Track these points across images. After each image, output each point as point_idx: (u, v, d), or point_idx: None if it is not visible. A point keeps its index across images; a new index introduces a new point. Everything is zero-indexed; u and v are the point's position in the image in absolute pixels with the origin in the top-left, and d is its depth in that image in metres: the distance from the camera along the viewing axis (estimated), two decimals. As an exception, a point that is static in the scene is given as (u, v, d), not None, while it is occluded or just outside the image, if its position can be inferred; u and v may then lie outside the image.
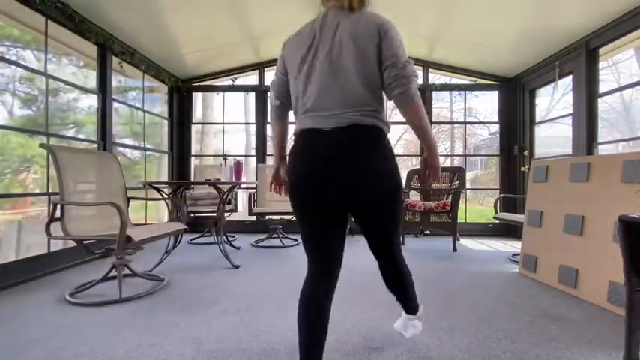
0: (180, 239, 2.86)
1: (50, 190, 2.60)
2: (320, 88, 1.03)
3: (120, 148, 3.86)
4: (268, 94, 1.22)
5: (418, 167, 4.39)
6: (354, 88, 1.01)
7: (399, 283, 1.27)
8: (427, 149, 1.10)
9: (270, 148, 4.60)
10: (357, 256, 3.18)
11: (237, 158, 3.36)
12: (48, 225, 1.94)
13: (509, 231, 4.28)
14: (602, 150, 3.07)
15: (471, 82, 4.46)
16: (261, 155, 4.57)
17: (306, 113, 1.07)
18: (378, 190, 1.02)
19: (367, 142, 1.01)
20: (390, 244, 1.16)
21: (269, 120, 4.70)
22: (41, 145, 2.08)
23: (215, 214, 3.01)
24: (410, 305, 1.36)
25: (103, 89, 3.12)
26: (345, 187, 1.00)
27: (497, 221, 3.43)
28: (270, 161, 4.60)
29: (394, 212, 1.08)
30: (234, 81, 4.59)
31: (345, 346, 1.41)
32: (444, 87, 4.49)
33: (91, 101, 3.18)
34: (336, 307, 1.84)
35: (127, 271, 2.25)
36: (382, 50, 1.00)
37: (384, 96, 1.07)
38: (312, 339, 1.05)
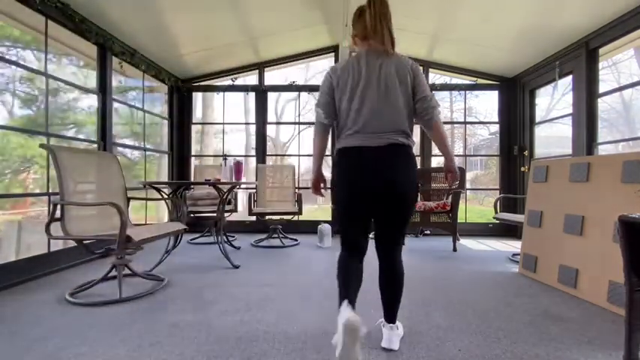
0: (180, 239, 2.86)
1: (50, 190, 2.60)
2: (372, 113, 1.34)
3: (120, 148, 3.86)
4: (316, 109, 1.50)
5: (418, 167, 4.38)
6: (399, 115, 1.34)
7: (395, 280, 1.46)
8: (445, 155, 1.40)
9: (269, 148, 4.61)
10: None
11: (237, 158, 3.36)
12: (48, 225, 1.94)
13: (509, 231, 4.28)
14: (602, 150, 3.07)
15: (471, 82, 4.46)
16: (261, 155, 4.57)
17: (356, 133, 1.36)
18: (404, 191, 1.35)
19: (401, 156, 1.34)
20: (399, 234, 1.46)
21: (269, 120, 4.71)
22: (41, 145, 2.08)
23: (215, 214, 3.01)
24: (396, 311, 1.48)
25: (103, 89, 3.12)
26: (382, 188, 1.33)
27: (497, 221, 3.43)
28: (270, 161, 4.75)
29: (410, 210, 1.41)
30: (234, 81, 4.59)
31: (345, 346, 1.41)
32: (444, 87, 4.49)
33: (91, 101, 3.18)
34: (336, 307, 1.84)
35: (127, 271, 2.25)
36: (415, 86, 1.37)
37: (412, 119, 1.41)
38: (352, 288, 1.41)
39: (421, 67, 4.39)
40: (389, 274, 1.47)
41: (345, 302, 1.24)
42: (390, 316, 1.48)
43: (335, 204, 1.49)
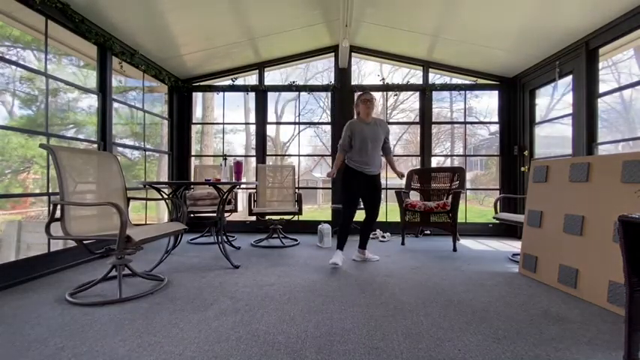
0: (180, 239, 2.86)
1: (50, 190, 2.60)
2: (369, 157, 2.82)
3: (120, 148, 3.86)
4: (340, 143, 2.89)
5: (418, 167, 4.39)
6: (379, 157, 2.93)
7: (369, 228, 2.96)
8: (394, 169, 2.99)
9: (269, 148, 4.57)
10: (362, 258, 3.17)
11: (237, 158, 3.36)
12: (48, 225, 1.94)
13: (509, 231, 4.28)
14: (602, 150, 3.07)
15: (471, 82, 4.46)
16: (261, 155, 4.57)
17: (361, 165, 2.82)
18: (379, 187, 2.94)
19: (378, 176, 2.94)
20: (376, 208, 2.95)
21: (269, 120, 4.72)
22: (41, 145, 2.08)
23: (215, 214, 3.01)
24: (366, 242, 3.00)
25: (103, 89, 3.12)
26: (370, 186, 2.87)
27: (497, 221, 3.43)
28: (270, 161, 4.94)
29: (380, 196, 2.95)
30: (234, 81, 4.59)
31: (345, 345, 1.41)
32: (444, 87, 4.49)
33: (91, 101, 3.19)
34: (336, 307, 1.84)
35: (127, 271, 2.25)
36: (386, 137, 2.94)
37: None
38: (345, 238, 2.84)
39: (421, 67, 4.44)
40: (367, 226, 2.96)
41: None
42: (364, 244, 3.00)
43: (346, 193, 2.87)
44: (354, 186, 2.80)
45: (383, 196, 3.41)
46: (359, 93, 3.00)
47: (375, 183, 2.87)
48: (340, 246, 2.80)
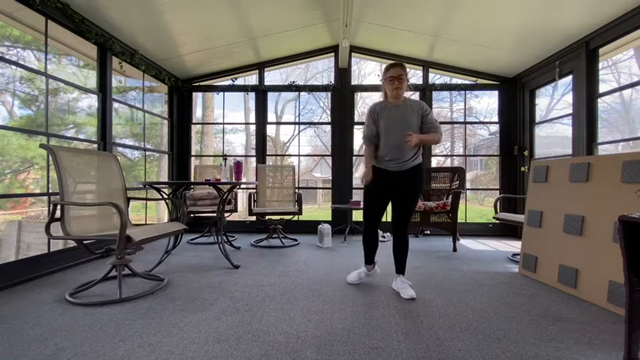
0: (180, 239, 2.86)
1: (50, 190, 2.60)
2: (399, 149, 2.10)
3: (120, 148, 3.86)
4: (363, 132, 2.24)
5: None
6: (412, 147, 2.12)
7: (403, 249, 2.15)
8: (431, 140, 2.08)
9: (269, 148, 4.58)
10: (361, 259, 3.18)
11: (237, 158, 3.36)
12: (48, 225, 1.94)
13: (510, 231, 4.28)
14: (602, 150, 3.07)
15: (471, 82, 4.46)
16: (261, 155, 4.57)
17: (387, 162, 2.14)
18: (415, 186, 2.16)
19: (413, 170, 2.15)
20: (408, 218, 2.17)
21: (269, 120, 4.72)
22: (41, 146, 2.08)
23: (215, 214, 3.01)
24: (404, 267, 2.18)
25: (103, 89, 3.12)
26: (399, 185, 2.15)
27: (498, 221, 3.43)
28: (270, 161, 4.83)
29: (412, 200, 2.14)
30: (234, 81, 4.59)
31: (345, 345, 1.41)
32: (444, 87, 4.49)
33: (91, 101, 3.19)
34: (336, 307, 1.84)
35: (127, 271, 2.25)
36: (423, 117, 2.12)
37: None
38: (375, 249, 2.29)
39: (421, 67, 4.44)
40: (399, 247, 2.18)
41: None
42: (402, 269, 2.18)
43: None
44: (374, 186, 2.15)
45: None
46: (386, 65, 2.15)
47: (406, 179, 2.09)
48: (367, 259, 2.27)
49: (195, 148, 4.96)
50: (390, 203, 2.20)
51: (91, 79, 3.19)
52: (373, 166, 2.17)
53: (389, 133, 2.08)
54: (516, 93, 4.26)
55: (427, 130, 2.09)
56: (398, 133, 2.05)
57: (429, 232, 4.40)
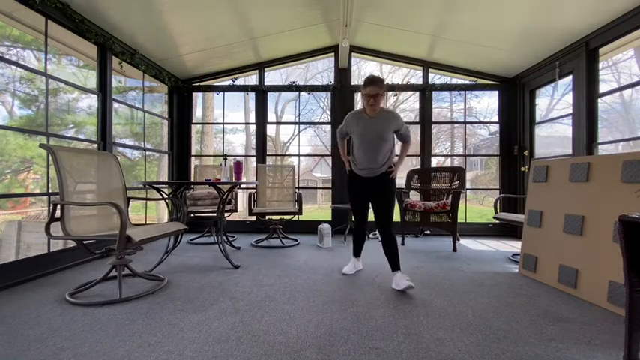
0: (180, 239, 2.86)
1: (50, 190, 2.60)
2: (370, 156, 2.31)
3: (120, 148, 3.86)
4: (339, 129, 2.54)
5: (418, 167, 4.39)
6: (384, 155, 2.33)
7: (390, 246, 2.27)
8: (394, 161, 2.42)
9: (269, 148, 4.58)
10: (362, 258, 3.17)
11: (237, 158, 3.36)
12: (48, 225, 1.94)
13: (510, 231, 4.28)
14: (602, 150, 3.07)
15: (471, 82, 4.46)
16: (261, 155, 4.57)
17: (360, 167, 2.36)
18: (385, 190, 2.36)
19: (383, 176, 2.35)
20: (387, 218, 2.32)
21: (269, 120, 4.72)
22: (41, 145, 2.08)
23: (215, 214, 3.01)
24: (398, 263, 2.25)
25: (103, 89, 3.12)
26: (373, 189, 2.37)
27: (498, 221, 3.43)
28: (270, 161, 4.83)
29: (386, 201, 2.33)
30: (234, 81, 4.59)
31: (345, 345, 1.41)
32: (444, 87, 4.49)
33: (91, 101, 3.19)
34: (336, 307, 1.84)
35: (127, 271, 2.25)
36: (397, 130, 2.36)
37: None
38: (361, 243, 2.60)
39: (421, 67, 4.44)
40: (387, 244, 2.30)
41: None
42: (395, 266, 2.25)
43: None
44: (352, 188, 2.42)
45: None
46: (365, 79, 2.33)
47: (377, 184, 2.32)
48: (354, 252, 2.62)
49: (195, 148, 4.96)
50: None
51: (91, 79, 3.19)
52: (351, 170, 2.45)
53: (363, 144, 2.30)
54: (516, 93, 4.26)
55: (400, 139, 2.46)
56: (370, 146, 2.28)
57: (429, 232, 4.40)
